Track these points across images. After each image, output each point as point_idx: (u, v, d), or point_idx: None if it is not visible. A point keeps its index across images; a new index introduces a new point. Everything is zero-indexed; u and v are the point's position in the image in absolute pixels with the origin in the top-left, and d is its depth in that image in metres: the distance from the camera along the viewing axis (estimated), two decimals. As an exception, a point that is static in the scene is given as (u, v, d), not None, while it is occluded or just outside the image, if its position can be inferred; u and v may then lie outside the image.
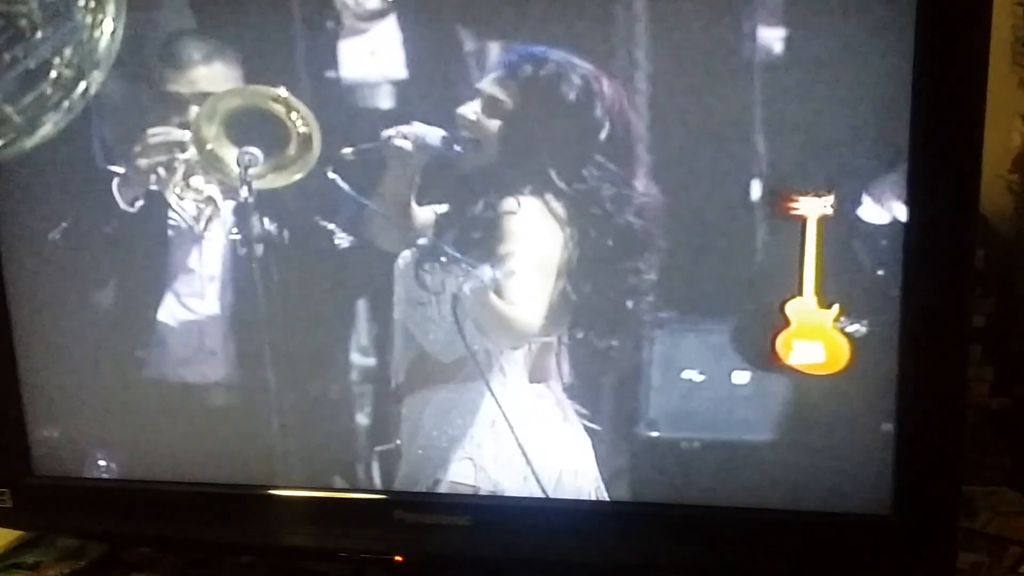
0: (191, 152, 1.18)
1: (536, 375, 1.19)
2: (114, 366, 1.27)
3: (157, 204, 1.21)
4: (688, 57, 1.06)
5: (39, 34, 1.15)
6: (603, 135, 1.09)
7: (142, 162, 1.19)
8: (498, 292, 1.14)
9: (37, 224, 1.23)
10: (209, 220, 1.20)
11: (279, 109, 1.14)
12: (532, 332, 1.15)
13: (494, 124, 1.11)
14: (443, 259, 1.15)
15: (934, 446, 1.08)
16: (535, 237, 1.13)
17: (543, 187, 1.12)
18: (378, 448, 1.23)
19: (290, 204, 1.18)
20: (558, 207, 1.12)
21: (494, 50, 1.12)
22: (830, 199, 1.06)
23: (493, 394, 1.18)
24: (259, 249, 1.18)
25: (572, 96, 1.08)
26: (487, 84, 1.11)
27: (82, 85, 1.16)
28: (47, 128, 1.18)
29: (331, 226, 1.17)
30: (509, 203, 1.13)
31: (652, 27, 1.05)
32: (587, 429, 1.18)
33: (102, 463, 1.30)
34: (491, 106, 1.10)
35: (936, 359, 1.06)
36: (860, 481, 1.12)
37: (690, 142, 1.08)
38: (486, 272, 1.14)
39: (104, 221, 1.21)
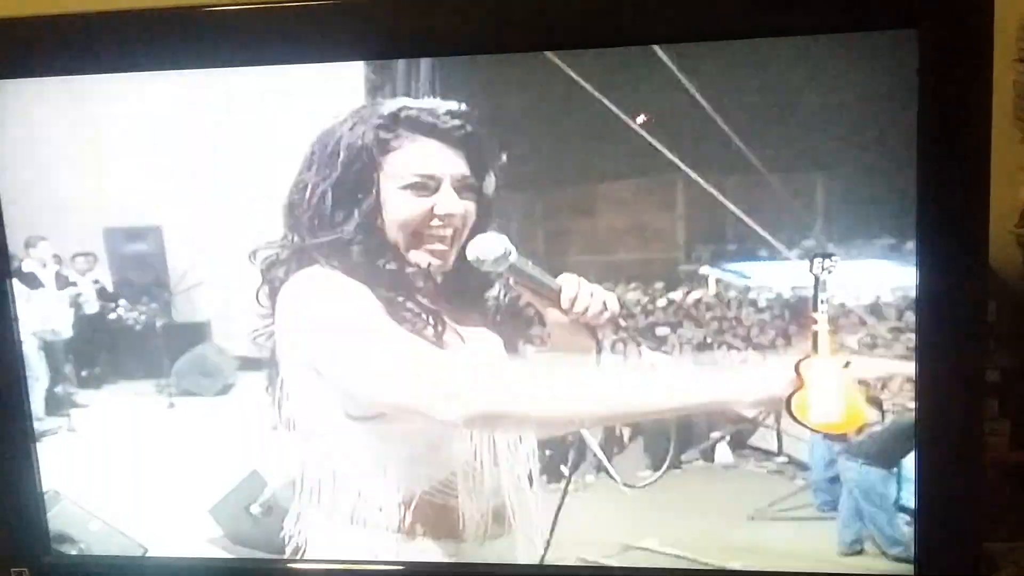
0: None
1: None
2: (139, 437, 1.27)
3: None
4: (707, 123, 1.07)
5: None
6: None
7: None
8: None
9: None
10: None
11: None
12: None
13: None
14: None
15: (954, 502, 1.08)
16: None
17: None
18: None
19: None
20: None
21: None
22: (838, 258, 1.07)
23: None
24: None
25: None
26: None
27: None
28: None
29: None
30: None
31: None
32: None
33: (125, 541, 1.29)
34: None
35: (952, 414, 1.06)
36: (882, 540, 1.12)
37: (696, 203, 1.10)
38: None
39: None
